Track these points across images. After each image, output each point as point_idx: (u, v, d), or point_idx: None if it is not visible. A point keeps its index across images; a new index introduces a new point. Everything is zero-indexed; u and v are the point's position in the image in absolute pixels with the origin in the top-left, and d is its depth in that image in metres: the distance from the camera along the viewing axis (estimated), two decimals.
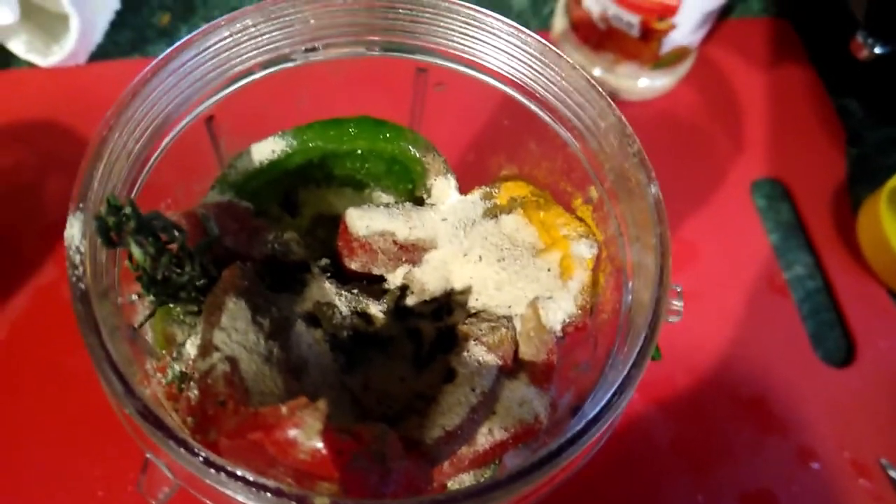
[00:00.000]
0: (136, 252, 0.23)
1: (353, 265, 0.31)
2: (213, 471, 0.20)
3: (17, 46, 0.60)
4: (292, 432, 0.21)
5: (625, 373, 0.23)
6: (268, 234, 0.30)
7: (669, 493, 0.50)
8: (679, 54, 0.63)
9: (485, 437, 0.28)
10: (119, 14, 0.64)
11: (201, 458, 0.20)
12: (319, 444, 0.20)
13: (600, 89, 0.27)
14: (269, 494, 0.19)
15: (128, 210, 0.23)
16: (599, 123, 0.27)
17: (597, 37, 0.62)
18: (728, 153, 0.65)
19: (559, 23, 0.65)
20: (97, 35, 0.63)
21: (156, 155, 0.27)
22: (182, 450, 0.20)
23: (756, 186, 0.64)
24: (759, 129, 0.67)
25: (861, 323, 0.59)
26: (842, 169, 0.66)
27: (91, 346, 0.21)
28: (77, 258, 0.22)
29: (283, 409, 0.21)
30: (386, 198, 0.36)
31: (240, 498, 0.20)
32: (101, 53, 0.63)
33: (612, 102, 0.27)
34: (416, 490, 0.24)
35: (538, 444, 0.29)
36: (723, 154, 0.65)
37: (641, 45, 0.60)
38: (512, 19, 0.28)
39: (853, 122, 0.68)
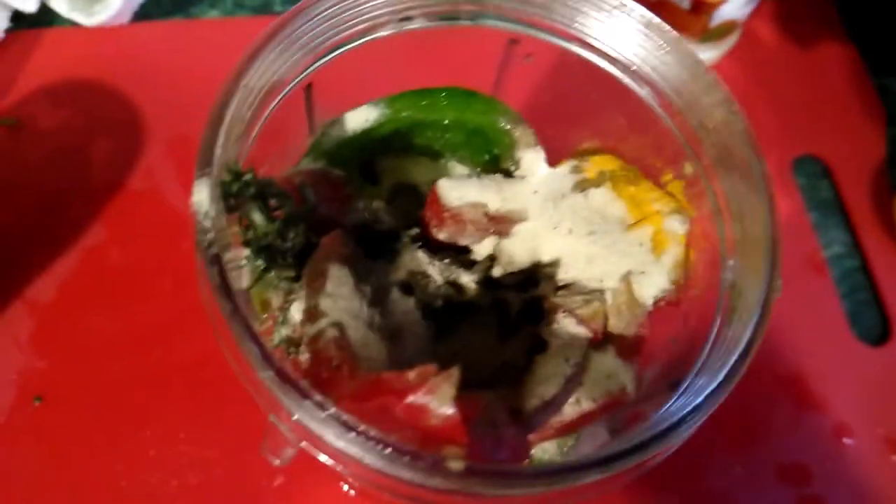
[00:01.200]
0: (258, 217, 0.24)
1: (441, 235, 0.31)
2: (351, 433, 0.20)
3: (60, 5, 0.59)
4: (425, 398, 0.21)
5: (739, 351, 0.23)
6: (357, 202, 0.31)
7: (709, 466, 0.51)
8: (727, 28, 0.62)
9: (572, 408, 0.29)
10: None
11: (339, 421, 0.20)
12: (452, 410, 0.21)
13: (705, 63, 0.27)
14: (406, 458, 0.20)
15: (248, 176, 0.23)
16: (703, 99, 0.28)
17: (645, 6, 0.61)
18: (771, 129, 0.65)
19: None
20: None
21: (261, 121, 0.27)
22: (322, 413, 0.20)
23: (798, 163, 0.64)
24: (802, 106, 0.67)
25: None
26: (881, 149, 0.66)
27: (226, 312, 0.21)
28: (207, 223, 0.22)
29: (412, 376, 0.22)
30: (460, 168, 0.36)
31: (369, 460, 0.21)
32: (144, 14, 0.62)
33: (718, 78, 0.27)
34: (520, 457, 0.25)
35: (621, 416, 0.30)
36: (766, 130, 0.64)
37: (691, 18, 0.60)
38: None
39: (893, 102, 0.68)
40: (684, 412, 0.22)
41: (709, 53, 0.64)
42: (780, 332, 0.56)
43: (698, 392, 0.23)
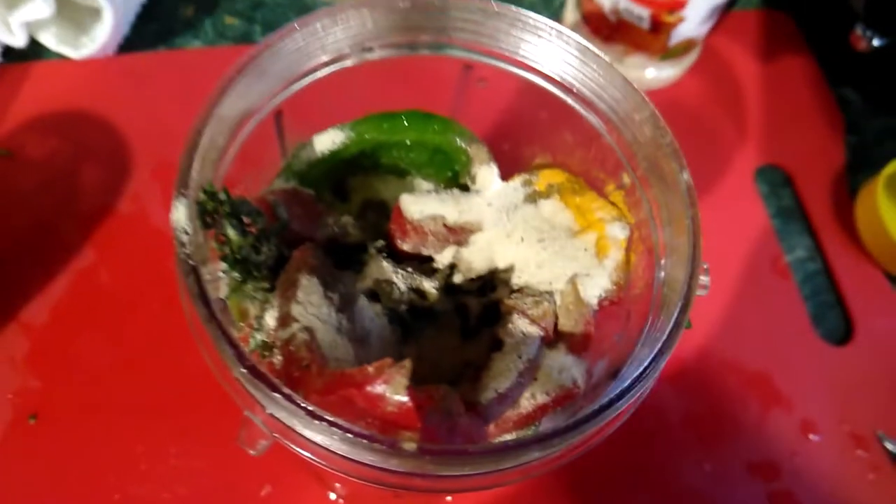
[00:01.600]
0: (232, 233, 0.26)
1: (405, 246, 0.34)
2: (316, 422, 0.23)
3: (48, 39, 0.61)
4: (381, 387, 0.24)
5: (663, 339, 0.26)
6: (327, 217, 0.33)
7: (680, 463, 0.53)
8: (686, 46, 0.65)
9: (528, 401, 0.31)
10: (145, 7, 0.66)
11: (306, 411, 0.23)
12: (405, 398, 0.24)
13: (635, 85, 0.30)
14: (363, 441, 0.23)
15: (222, 196, 0.26)
16: (634, 116, 0.30)
17: (607, 29, 0.64)
18: (732, 141, 0.68)
19: (570, 16, 0.68)
20: (126, 27, 0.64)
21: (235, 146, 0.29)
22: (290, 404, 0.23)
23: (759, 173, 0.67)
24: (762, 117, 0.69)
25: (859, 304, 0.62)
26: (840, 156, 0.68)
27: (203, 317, 0.24)
28: (184, 238, 0.25)
29: (370, 369, 0.24)
30: (426, 185, 0.38)
31: (334, 446, 0.23)
32: (129, 45, 0.64)
33: (646, 97, 0.30)
34: (475, 443, 0.27)
35: (575, 407, 0.32)
36: (727, 142, 0.67)
37: (650, 38, 0.63)
38: None
39: (852, 111, 0.71)
40: (613, 395, 0.25)
41: (670, 71, 0.67)
42: (746, 335, 0.59)
43: (630, 378, 0.26)
